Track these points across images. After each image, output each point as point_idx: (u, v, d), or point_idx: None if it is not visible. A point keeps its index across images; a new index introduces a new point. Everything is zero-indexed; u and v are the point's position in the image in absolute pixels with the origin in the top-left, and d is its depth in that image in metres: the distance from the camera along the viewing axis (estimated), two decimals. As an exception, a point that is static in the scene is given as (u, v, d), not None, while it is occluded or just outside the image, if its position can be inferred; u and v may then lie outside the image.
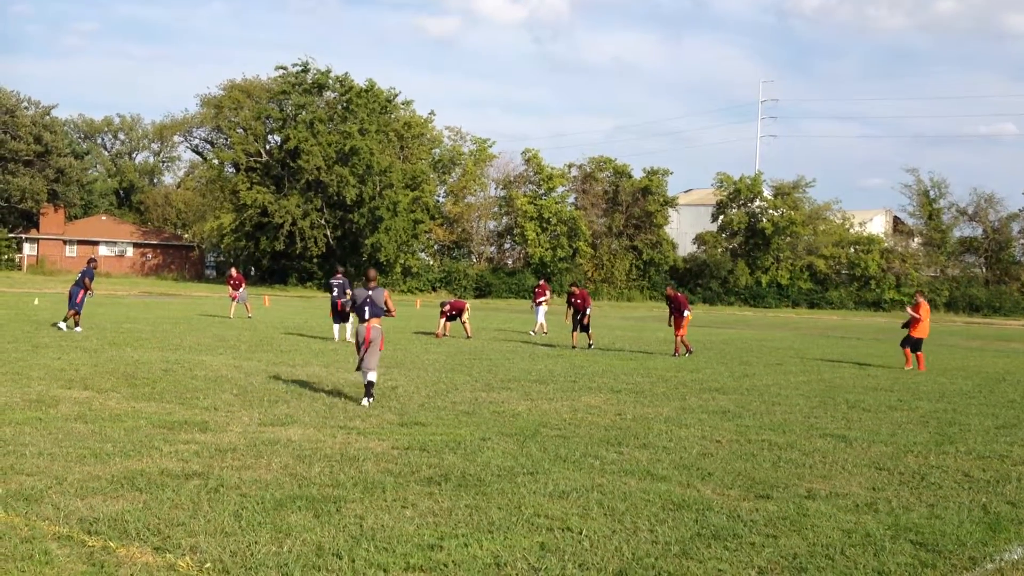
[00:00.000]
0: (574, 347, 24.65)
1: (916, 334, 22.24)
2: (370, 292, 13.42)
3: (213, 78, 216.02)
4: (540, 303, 30.65)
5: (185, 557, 6.24)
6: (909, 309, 22.71)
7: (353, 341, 20.46)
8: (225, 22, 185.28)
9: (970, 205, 76.59)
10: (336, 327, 24.20)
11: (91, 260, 25.60)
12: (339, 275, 25.42)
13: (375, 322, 13.35)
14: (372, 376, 13.16)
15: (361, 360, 13.27)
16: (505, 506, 7.77)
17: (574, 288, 25.95)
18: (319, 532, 6.88)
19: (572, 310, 25.48)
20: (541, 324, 30.24)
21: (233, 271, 33.68)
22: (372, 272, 13.70)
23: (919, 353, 22.25)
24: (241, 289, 32.43)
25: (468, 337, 26.52)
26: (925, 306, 22.54)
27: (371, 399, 13.02)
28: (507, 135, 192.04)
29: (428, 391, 14.64)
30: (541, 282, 32.64)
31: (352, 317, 13.18)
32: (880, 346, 30.97)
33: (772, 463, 9.95)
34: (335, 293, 24.50)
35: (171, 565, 6.10)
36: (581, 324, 25.11)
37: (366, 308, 13.35)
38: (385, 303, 13.51)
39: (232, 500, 7.63)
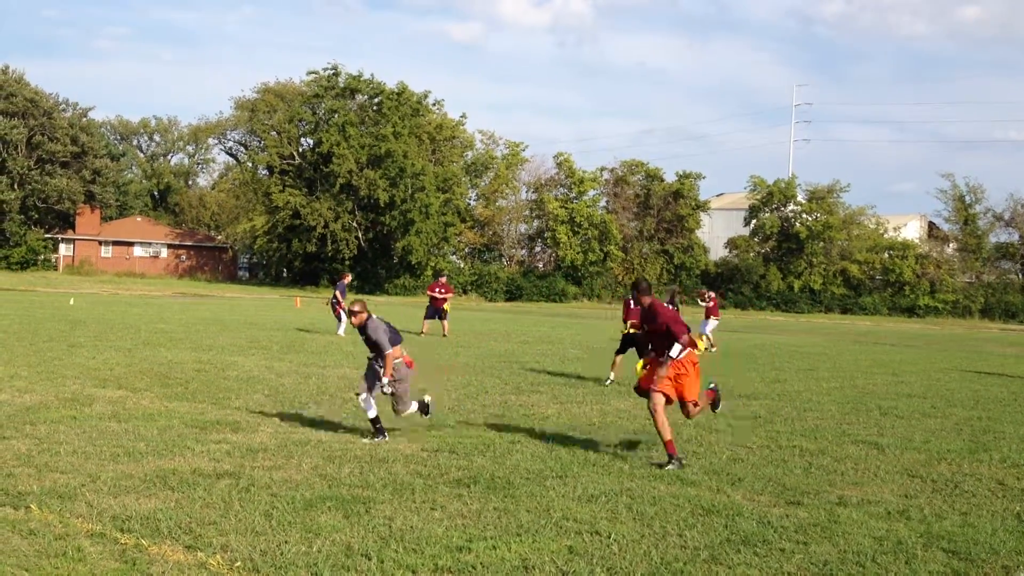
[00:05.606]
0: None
1: None
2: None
3: (244, 81, 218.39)
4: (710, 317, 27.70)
5: (216, 555, 6.29)
6: None
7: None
8: (254, 26, 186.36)
9: (1007, 210, 75.46)
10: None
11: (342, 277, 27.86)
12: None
13: None
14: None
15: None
16: (534, 509, 7.77)
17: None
18: (348, 532, 6.91)
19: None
20: (708, 337, 26.80)
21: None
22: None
23: None
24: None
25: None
26: None
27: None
28: (536, 138, 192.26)
29: (458, 394, 14.66)
30: (712, 294, 29.00)
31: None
32: (914, 352, 30.66)
33: (803, 469, 9.89)
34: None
35: (202, 563, 6.15)
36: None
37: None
38: None
39: (263, 500, 7.69)
